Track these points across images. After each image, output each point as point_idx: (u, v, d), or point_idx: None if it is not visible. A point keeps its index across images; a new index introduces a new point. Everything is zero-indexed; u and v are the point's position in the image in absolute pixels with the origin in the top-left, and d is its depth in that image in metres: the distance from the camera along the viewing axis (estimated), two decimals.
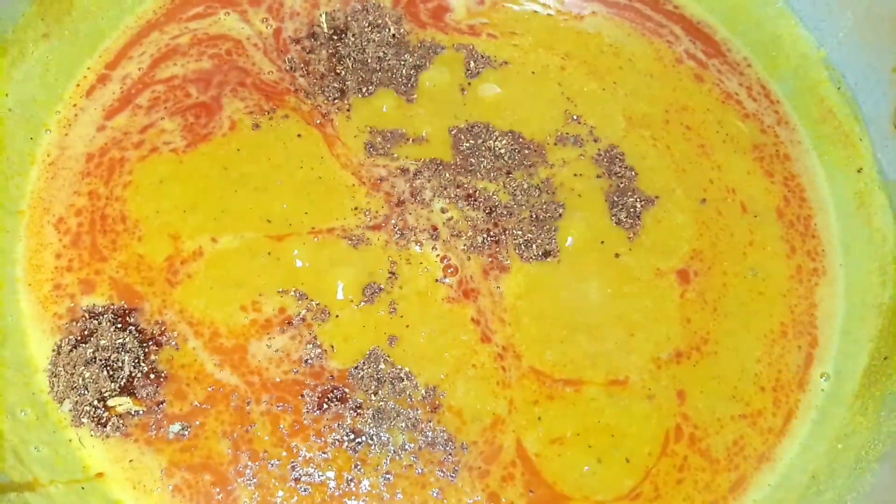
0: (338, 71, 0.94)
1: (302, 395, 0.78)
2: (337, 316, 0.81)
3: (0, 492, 0.72)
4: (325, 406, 0.78)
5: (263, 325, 0.81)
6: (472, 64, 0.96)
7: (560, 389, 0.80)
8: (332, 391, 0.79)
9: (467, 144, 0.90)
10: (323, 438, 0.77)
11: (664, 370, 0.83)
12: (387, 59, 0.94)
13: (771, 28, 1.01)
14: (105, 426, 0.77)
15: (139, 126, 0.90)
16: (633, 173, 0.91)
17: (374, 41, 0.94)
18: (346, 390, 0.79)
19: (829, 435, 0.83)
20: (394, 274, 0.83)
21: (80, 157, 0.89)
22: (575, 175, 0.90)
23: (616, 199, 0.90)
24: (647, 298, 0.85)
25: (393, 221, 0.86)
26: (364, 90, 0.93)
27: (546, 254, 0.85)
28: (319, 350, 0.80)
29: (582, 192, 0.89)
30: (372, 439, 0.77)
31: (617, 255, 0.86)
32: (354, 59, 0.94)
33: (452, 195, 0.87)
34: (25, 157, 0.88)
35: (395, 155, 0.90)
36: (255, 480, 0.75)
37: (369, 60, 0.94)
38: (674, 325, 0.85)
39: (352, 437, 0.77)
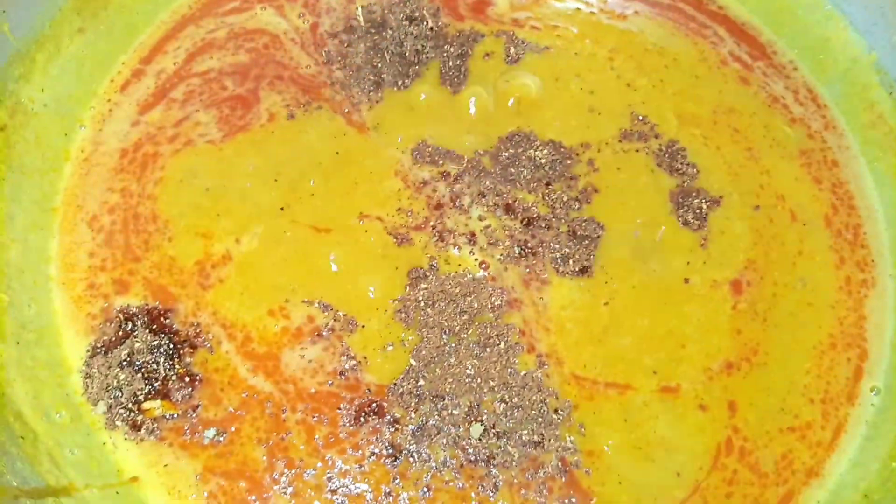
0: (374, 63, 0.87)
1: (339, 409, 0.71)
2: (363, 326, 0.74)
3: (38, 497, 0.67)
4: (363, 420, 0.71)
5: (295, 335, 0.74)
6: (513, 49, 0.88)
7: (605, 392, 0.73)
8: (369, 405, 0.72)
9: (507, 154, 0.83)
10: (360, 451, 0.70)
11: (716, 381, 0.75)
12: (425, 51, 0.87)
13: (819, 31, 0.92)
14: (139, 429, 0.70)
15: (174, 120, 0.83)
16: (695, 170, 0.84)
17: (412, 34, 0.86)
18: (385, 404, 0.72)
19: (881, 453, 0.74)
20: (434, 267, 0.77)
21: (113, 153, 0.82)
22: (634, 177, 0.83)
23: (681, 200, 0.82)
24: (702, 311, 0.77)
25: (432, 223, 0.79)
26: (400, 83, 0.86)
27: (582, 270, 0.77)
28: (354, 361, 0.73)
29: (642, 199, 0.82)
30: (412, 456, 0.70)
31: (686, 281, 0.78)
32: (392, 52, 0.86)
33: (491, 203, 0.80)
34: (60, 153, 0.82)
35: (441, 162, 0.83)
36: (290, 489, 0.69)
37: (407, 53, 0.86)
38: (724, 336, 0.77)
39: (391, 451, 0.70)
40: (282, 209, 0.79)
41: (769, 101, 0.90)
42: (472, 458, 0.70)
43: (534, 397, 0.71)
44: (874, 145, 0.88)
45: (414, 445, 0.70)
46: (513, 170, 0.82)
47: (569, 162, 0.83)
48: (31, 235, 0.78)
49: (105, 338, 0.74)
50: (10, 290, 0.74)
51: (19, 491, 0.65)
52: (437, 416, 0.70)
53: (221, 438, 0.70)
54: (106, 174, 0.81)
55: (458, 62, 0.87)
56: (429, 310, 0.74)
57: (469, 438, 0.70)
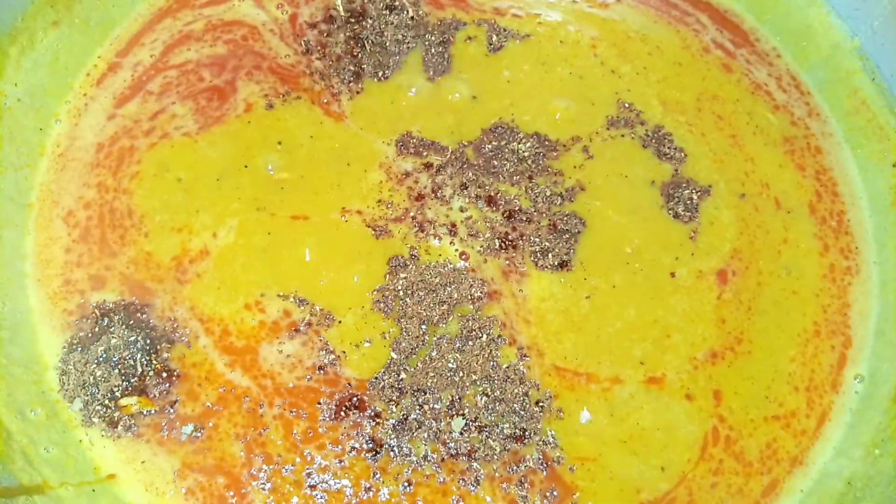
0: (355, 54, 0.83)
1: (319, 403, 0.68)
2: (340, 322, 0.71)
3: (9, 496, 0.64)
4: (343, 415, 0.68)
5: (272, 329, 0.71)
6: (495, 38, 0.85)
7: (587, 384, 0.70)
8: (349, 399, 0.69)
9: (490, 146, 0.80)
10: (340, 446, 0.67)
11: (701, 370, 0.73)
12: (406, 41, 0.83)
13: (801, 17, 0.90)
14: (116, 426, 0.67)
15: (150, 113, 0.80)
16: (683, 154, 0.81)
17: (392, 24, 0.83)
18: (365, 398, 0.69)
19: (864, 440, 0.72)
20: (415, 257, 0.74)
21: (89, 147, 0.79)
22: (622, 169, 0.80)
23: (672, 192, 0.79)
24: (687, 302, 0.75)
25: (412, 214, 0.77)
26: (381, 73, 0.83)
27: (562, 265, 0.75)
28: (333, 356, 0.70)
29: (630, 192, 0.79)
30: (393, 450, 0.67)
31: (673, 275, 0.75)
32: (373, 42, 0.83)
33: (473, 195, 0.77)
34: (35, 148, 0.78)
35: (424, 153, 0.79)
36: (269, 485, 0.66)
37: (388, 43, 0.83)
38: (709, 325, 0.74)
39: (371, 446, 0.67)
40: (258, 201, 0.76)
41: (752, 88, 0.87)
42: (454, 452, 0.67)
43: (516, 390, 0.69)
44: (858, 132, 0.85)
45: (395, 440, 0.67)
46: (496, 162, 0.79)
47: (554, 154, 0.81)
48: (6, 232, 0.74)
49: (81, 334, 0.71)
50: None
51: None
52: (418, 411, 0.68)
53: (199, 434, 0.68)
54: (82, 169, 0.78)
55: (440, 49, 0.84)
56: (408, 299, 0.71)
57: (450, 432, 0.68)
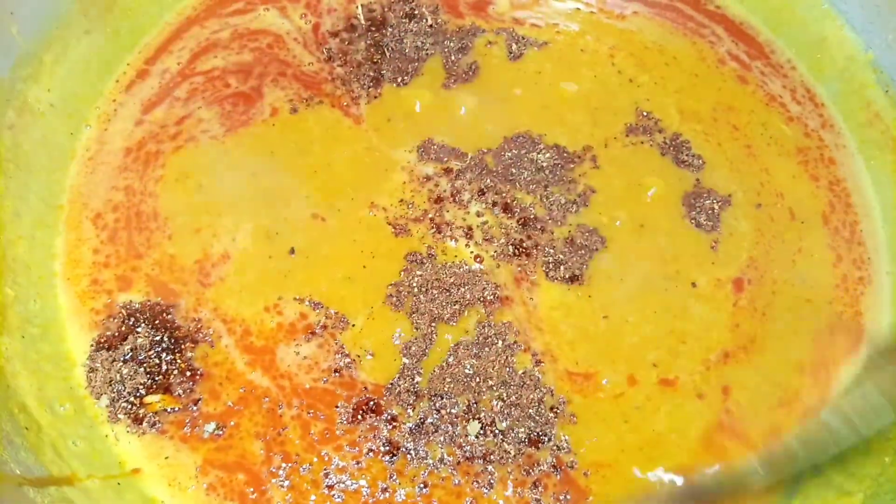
0: (375, 60, 0.83)
1: (337, 406, 0.68)
2: (353, 325, 0.71)
3: (40, 485, 0.65)
4: (360, 418, 0.67)
5: (289, 331, 0.71)
6: (514, 46, 0.85)
7: (602, 388, 0.70)
8: (366, 403, 0.68)
9: (510, 154, 0.79)
10: (357, 448, 0.67)
11: (713, 370, 0.72)
12: (425, 48, 0.83)
13: (816, 29, 0.88)
14: (141, 423, 0.67)
15: (176, 118, 0.80)
16: (701, 161, 0.80)
17: (411, 31, 0.83)
18: (382, 402, 0.68)
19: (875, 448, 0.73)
20: (432, 255, 0.74)
21: (118, 151, 0.79)
22: (640, 178, 0.79)
23: (693, 201, 0.78)
24: (704, 309, 0.73)
25: (430, 216, 0.77)
26: (400, 79, 0.82)
27: (572, 279, 0.73)
28: (349, 359, 0.70)
29: (651, 203, 0.78)
30: (410, 453, 0.66)
31: (694, 285, 0.74)
32: (392, 49, 0.83)
33: (490, 201, 0.76)
34: (66, 151, 0.79)
35: (445, 159, 0.79)
36: (287, 482, 0.66)
37: (407, 50, 0.83)
38: (724, 331, 0.73)
39: (388, 448, 0.66)
40: (280, 205, 0.76)
41: (767, 99, 0.86)
42: (469, 455, 0.66)
43: (531, 396, 0.68)
44: (871, 143, 0.84)
45: (411, 443, 0.66)
46: (514, 170, 0.78)
47: (571, 165, 0.80)
48: (38, 232, 0.75)
49: (108, 333, 0.72)
50: (15, 286, 0.71)
51: (23, 479, 0.62)
52: (435, 415, 0.67)
53: (221, 432, 0.68)
54: (110, 172, 0.79)
55: (459, 56, 0.83)
56: (421, 296, 0.71)
57: (466, 436, 0.67)
